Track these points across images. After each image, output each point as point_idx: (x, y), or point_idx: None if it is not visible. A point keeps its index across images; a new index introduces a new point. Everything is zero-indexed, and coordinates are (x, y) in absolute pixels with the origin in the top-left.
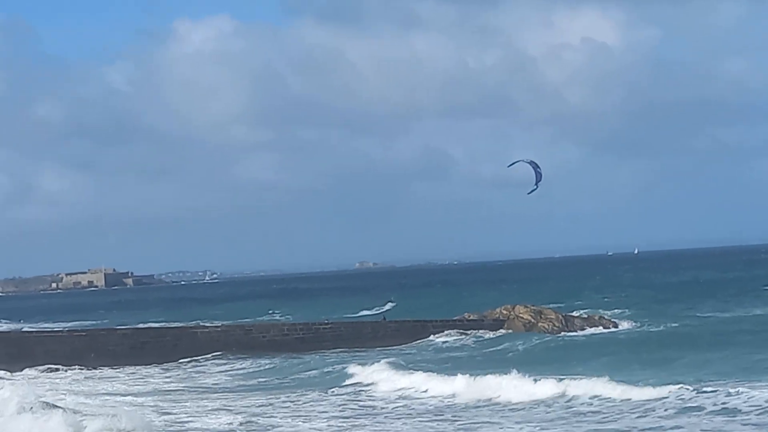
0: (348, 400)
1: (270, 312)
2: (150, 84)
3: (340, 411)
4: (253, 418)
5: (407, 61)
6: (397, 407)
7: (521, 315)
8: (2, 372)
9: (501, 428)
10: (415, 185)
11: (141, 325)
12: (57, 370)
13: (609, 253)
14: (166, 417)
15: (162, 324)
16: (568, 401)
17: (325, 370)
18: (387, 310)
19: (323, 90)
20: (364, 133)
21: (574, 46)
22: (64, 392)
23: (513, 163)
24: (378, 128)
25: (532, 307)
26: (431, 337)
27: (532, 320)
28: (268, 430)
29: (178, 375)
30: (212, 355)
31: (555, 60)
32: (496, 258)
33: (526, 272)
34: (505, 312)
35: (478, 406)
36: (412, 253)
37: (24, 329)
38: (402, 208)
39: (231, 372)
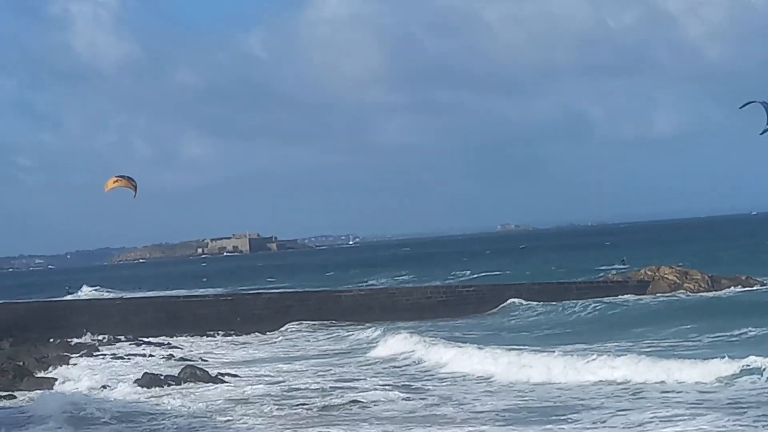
0: None
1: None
2: (286, 49)
3: None
4: None
5: (544, 20)
6: None
7: (666, 276)
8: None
9: None
10: (554, 146)
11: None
12: (204, 335)
13: (753, 213)
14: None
15: (306, 288)
16: None
17: None
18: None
19: (459, 51)
20: (501, 94)
21: (715, 2)
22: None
23: (745, 105)
24: (515, 89)
25: (677, 268)
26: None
27: (677, 281)
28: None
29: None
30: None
31: (695, 16)
32: (638, 219)
33: (669, 233)
34: (649, 273)
35: None
36: (554, 214)
37: (173, 294)
38: (541, 169)
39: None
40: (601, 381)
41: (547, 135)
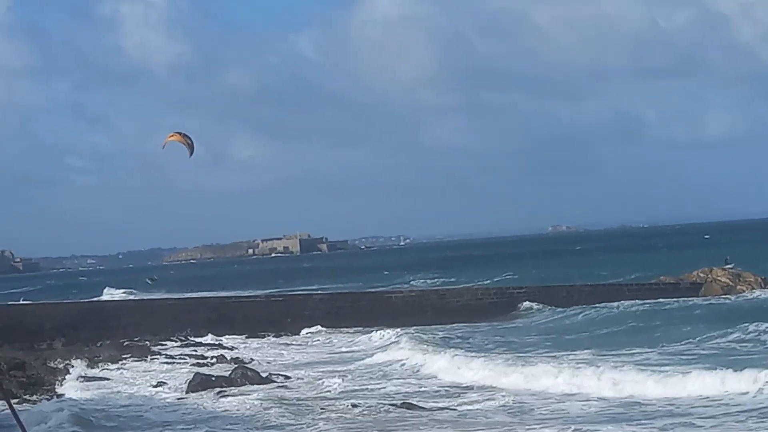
0: None
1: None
2: (337, 50)
3: None
4: None
5: (595, 22)
6: None
7: (719, 278)
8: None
9: None
10: (605, 147)
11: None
12: (255, 336)
13: None
14: None
15: (357, 289)
16: None
17: None
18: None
19: (510, 53)
20: (552, 96)
21: None
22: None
23: None
24: (566, 91)
25: (731, 270)
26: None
27: (730, 283)
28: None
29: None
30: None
31: (747, 17)
32: (691, 220)
33: (722, 235)
34: (702, 275)
35: None
36: (605, 216)
37: (223, 295)
38: (592, 170)
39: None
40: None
41: (598, 137)
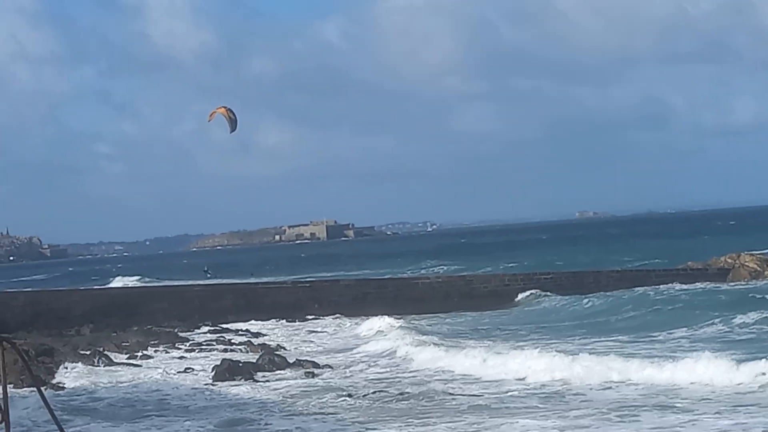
0: None
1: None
2: (363, 37)
3: None
4: None
5: (622, 7)
6: None
7: (746, 263)
8: (235, 324)
9: None
10: (632, 133)
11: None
12: (282, 321)
13: None
14: None
15: (383, 275)
16: None
17: None
18: None
19: (536, 39)
20: (579, 82)
21: None
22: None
23: None
24: (593, 76)
25: (759, 255)
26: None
27: (758, 269)
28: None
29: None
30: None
31: None
32: (717, 206)
33: (750, 220)
34: (729, 260)
35: None
36: (632, 202)
37: (251, 281)
38: (619, 156)
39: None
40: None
41: (625, 122)
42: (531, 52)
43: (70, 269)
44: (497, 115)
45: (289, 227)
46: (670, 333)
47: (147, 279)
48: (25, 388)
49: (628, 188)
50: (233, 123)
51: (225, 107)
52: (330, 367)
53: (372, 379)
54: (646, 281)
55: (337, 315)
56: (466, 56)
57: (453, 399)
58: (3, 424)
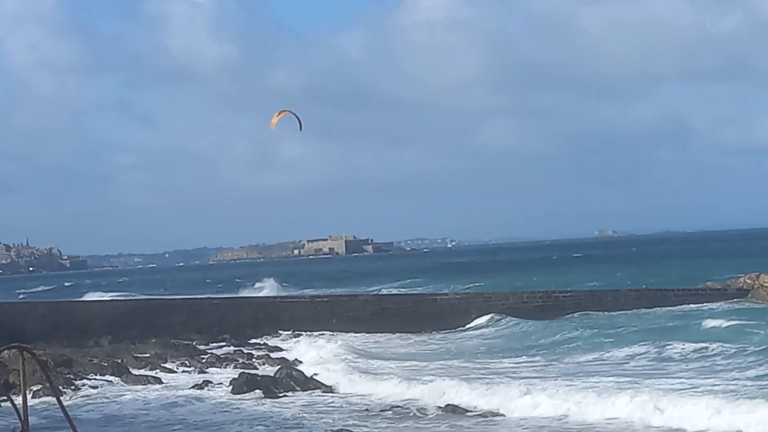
0: None
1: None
2: (385, 51)
3: None
4: None
5: (643, 24)
6: None
7: (765, 284)
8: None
9: None
10: (653, 151)
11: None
12: (300, 336)
13: None
14: None
15: (402, 291)
16: None
17: None
18: None
19: (558, 54)
20: (601, 98)
21: None
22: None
23: None
24: (614, 93)
25: None
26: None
27: None
28: None
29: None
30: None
31: None
32: (737, 227)
33: None
34: (749, 281)
35: None
36: (651, 221)
37: (269, 295)
38: (640, 174)
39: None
40: None
41: (646, 140)
42: (552, 68)
43: (75, 282)
44: (518, 130)
45: (308, 241)
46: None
47: (125, 294)
48: (43, 398)
49: (647, 207)
50: (299, 121)
51: (283, 111)
52: (349, 382)
53: (389, 402)
54: (665, 301)
55: (351, 332)
56: (487, 71)
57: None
58: None
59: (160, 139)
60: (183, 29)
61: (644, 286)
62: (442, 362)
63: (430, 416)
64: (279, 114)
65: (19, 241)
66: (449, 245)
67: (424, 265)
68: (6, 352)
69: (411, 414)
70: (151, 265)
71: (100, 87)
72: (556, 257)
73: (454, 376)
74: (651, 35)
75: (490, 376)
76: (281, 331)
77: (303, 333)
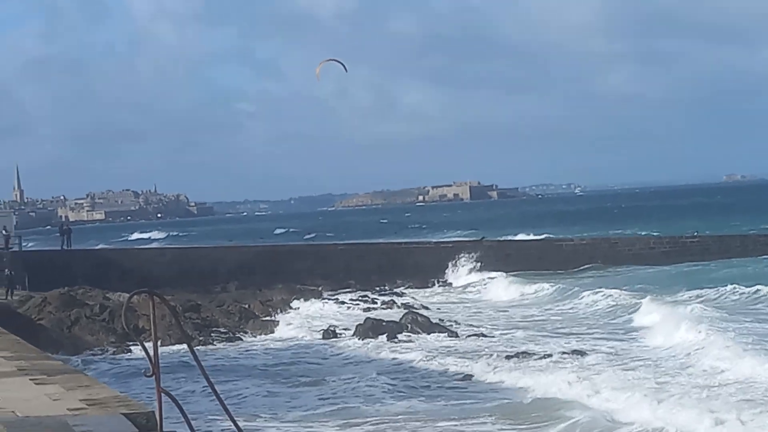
0: None
1: None
2: None
3: None
4: None
5: None
6: None
7: None
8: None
9: None
10: None
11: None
12: (425, 283)
13: None
14: None
15: (529, 237)
16: None
17: None
18: None
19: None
20: (727, 42)
21: None
22: None
23: None
24: (742, 37)
25: None
26: None
27: None
28: None
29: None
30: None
31: None
32: None
33: None
34: None
35: None
36: None
37: (393, 241)
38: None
39: None
40: None
41: None
42: (678, 12)
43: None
44: (644, 76)
45: (432, 188)
46: None
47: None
48: (173, 345)
49: None
50: (340, 63)
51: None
52: (471, 326)
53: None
54: None
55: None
56: (611, 16)
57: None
58: (153, 376)
59: (282, 86)
60: None
61: None
62: None
63: None
64: (321, 64)
65: (148, 188)
66: (577, 191)
67: (558, 211)
68: (136, 297)
69: None
70: (280, 212)
71: (220, 36)
72: (686, 203)
73: None
74: None
75: None
76: (407, 277)
77: (428, 279)
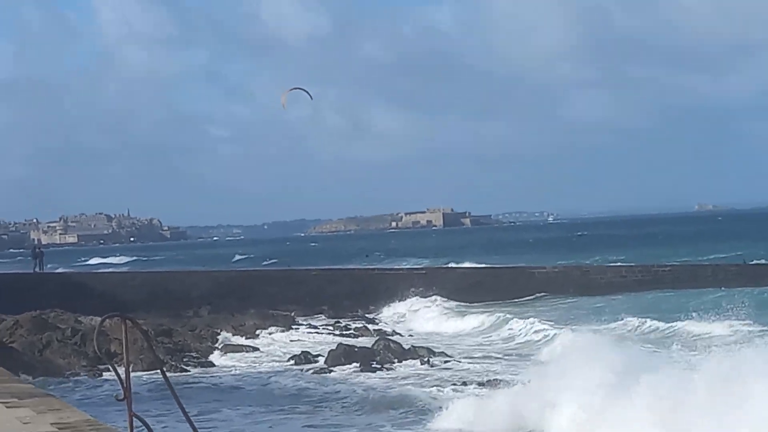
0: None
1: None
2: (474, 22)
3: None
4: None
5: None
6: None
7: None
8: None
9: None
10: (752, 123)
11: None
12: (398, 308)
13: None
14: None
15: (497, 264)
16: None
17: None
18: None
19: (650, 26)
20: (693, 70)
21: None
22: None
23: None
24: (707, 64)
25: None
26: None
27: None
28: None
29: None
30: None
31: None
32: None
33: None
34: None
35: None
36: (752, 195)
37: (365, 266)
38: (737, 146)
39: None
40: None
41: (743, 112)
42: (645, 38)
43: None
44: (612, 102)
45: (406, 214)
46: None
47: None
48: (144, 370)
49: (747, 181)
50: (305, 91)
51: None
52: (445, 354)
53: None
54: (766, 278)
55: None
56: (578, 43)
57: None
58: (125, 401)
59: (252, 110)
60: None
61: (743, 261)
62: None
63: None
64: (286, 92)
65: (120, 212)
66: (550, 219)
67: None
68: (108, 321)
69: None
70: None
71: (188, 58)
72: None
73: None
74: (746, 5)
75: None
76: (379, 303)
77: (399, 305)
